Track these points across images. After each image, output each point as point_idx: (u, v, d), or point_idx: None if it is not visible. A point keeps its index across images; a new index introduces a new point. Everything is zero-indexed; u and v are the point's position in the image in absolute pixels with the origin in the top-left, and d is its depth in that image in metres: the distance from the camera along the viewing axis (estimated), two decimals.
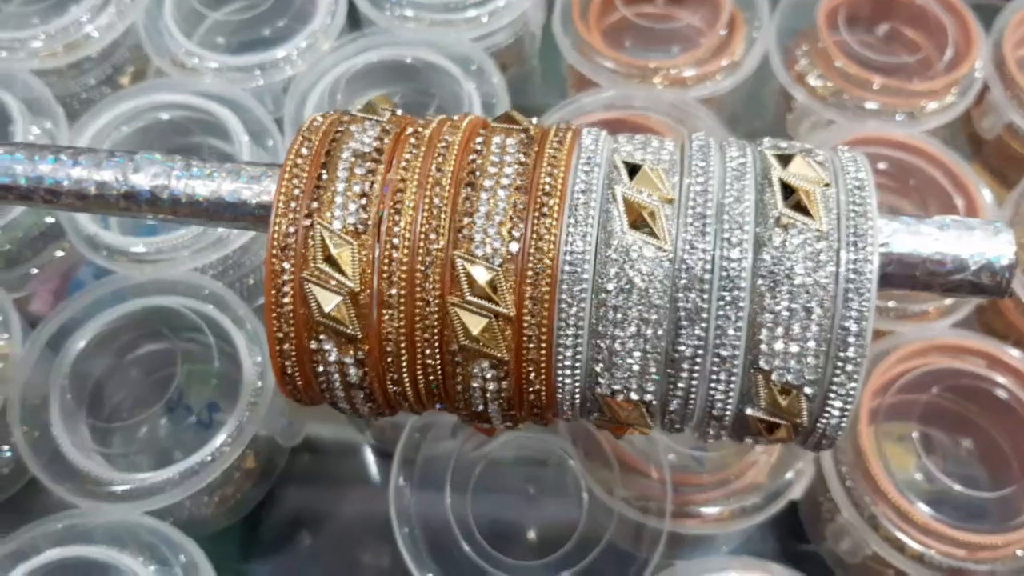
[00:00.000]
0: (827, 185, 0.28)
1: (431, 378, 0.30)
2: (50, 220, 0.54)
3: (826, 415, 0.28)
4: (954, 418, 0.50)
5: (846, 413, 0.28)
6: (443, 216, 0.28)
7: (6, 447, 0.50)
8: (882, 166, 0.54)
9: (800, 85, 0.58)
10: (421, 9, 0.59)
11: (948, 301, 0.50)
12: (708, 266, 0.27)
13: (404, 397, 0.31)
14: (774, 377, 0.28)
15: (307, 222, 0.29)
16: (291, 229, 0.29)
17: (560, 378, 0.29)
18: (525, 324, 0.28)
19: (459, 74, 0.56)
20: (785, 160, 0.29)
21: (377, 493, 0.47)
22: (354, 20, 0.61)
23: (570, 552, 0.45)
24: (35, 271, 0.56)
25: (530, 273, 0.28)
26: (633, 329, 0.28)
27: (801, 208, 0.28)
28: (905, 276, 0.29)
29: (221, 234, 0.50)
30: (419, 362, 0.29)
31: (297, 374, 0.30)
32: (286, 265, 0.29)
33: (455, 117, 0.32)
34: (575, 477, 0.46)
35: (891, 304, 0.50)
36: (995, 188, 0.59)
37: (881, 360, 0.48)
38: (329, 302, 0.28)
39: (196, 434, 0.48)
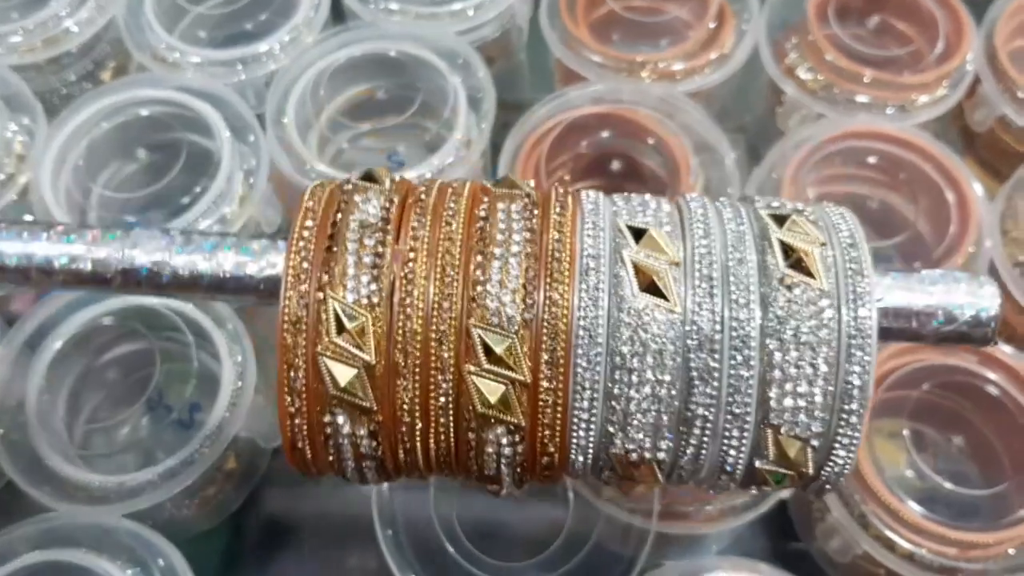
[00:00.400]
0: (823, 244, 0.29)
1: (443, 445, 0.30)
2: (29, 218, 0.53)
3: (831, 464, 0.30)
4: (945, 415, 0.49)
5: (849, 461, 0.29)
6: (456, 284, 0.28)
7: None
8: (872, 160, 0.54)
9: (790, 78, 0.57)
10: (406, 2, 0.58)
11: None
12: (718, 327, 0.28)
13: (415, 465, 0.31)
14: (783, 431, 0.29)
15: (319, 295, 0.28)
16: (302, 303, 0.28)
17: (575, 440, 0.29)
18: (541, 389, 0.28)
19: (444, 68, 0.55)
20: (780, 220, 0.30)
21: (360, 495, 0.46)
22: (338, 13, 0.61)
23: (556, 553, 0.44)
24: None
25: (545, 339, 0.28)
26: (648, 390, 0.28)
27: (802, 268, 0.29)
28: (900, 330, 0.31)
29: (207, 226, 0.49)
30: (432, 430, 0.29)
31: (307, 448, 0.30)
32: (299, 340, 0.28)
33: (455, 184, 0.32)
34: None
35: None
36: (987, 182, 0.58)
37: None
38: (345, 376, 0.28)
39: (176, 434, 0.47)
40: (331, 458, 0.30)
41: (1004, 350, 0.47)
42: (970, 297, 0.30)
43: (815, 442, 0.29)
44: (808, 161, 0.53)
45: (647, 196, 0.32)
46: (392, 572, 0.42)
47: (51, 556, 0.42)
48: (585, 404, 0.28)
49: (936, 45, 0.58)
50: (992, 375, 0.47)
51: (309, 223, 0.30)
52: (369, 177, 0.32)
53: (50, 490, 0.44)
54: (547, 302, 0.28)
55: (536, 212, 0.30)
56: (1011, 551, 0.43)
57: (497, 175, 0.50)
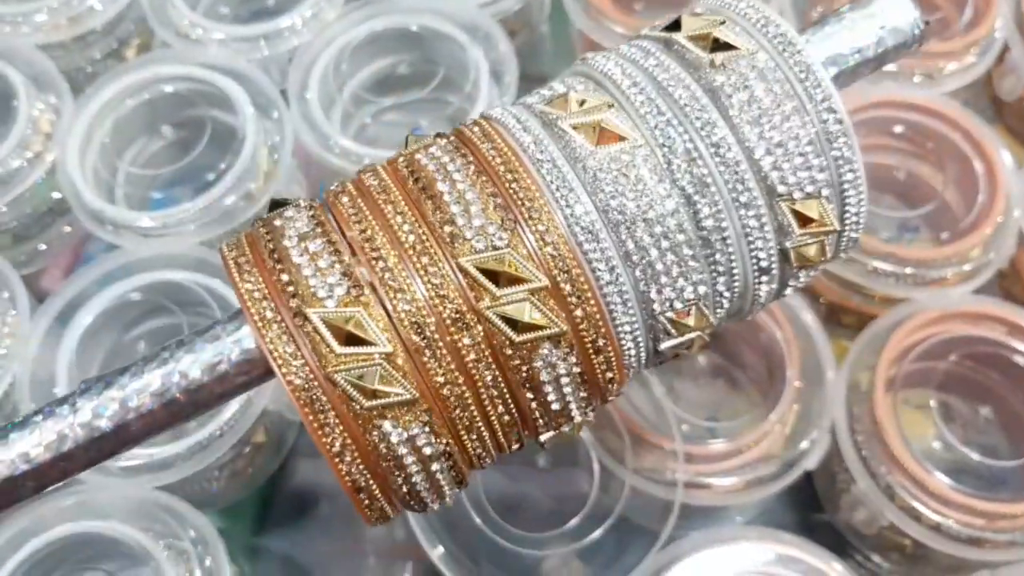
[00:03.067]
0: (723, 22, 0.29)
1: (499, 405, 0.28)
2: (56, 195, 0.54)
3: (848, 210, 0.30)
4: (973, 386, 0.49)
5: (862, 199, 0.30)
6: (424, 237, 0.26)
7: None
8: (899, 129, 0.53)
9: None
10: None
11: (967, 267, 0.49)
12: (685, 135, 0.28)
13: (483, 443, 0.28)
14: (795, 195, 0.28)
15: (298, 320, 0.26)
16: (286, 339, 0.26)
17: (617, 320, 0.28)
18: (562, 285, 0.27)
19: (466, 41, 0.55)
20: (675, 26, 0.30)
21: None
22: None
23: (581, 524, 0.44)
24: (43, 247, 0.56)
25: (539, 236, 0.27)
26: (657, 229, 0.27)
27: (722, 44, 0.29)
28: (840, 71, 0.32)
29: (227, 207, 0.49)
30: (483, 391, 0.27)
31: (372, 483, 0.27)
32: (306, 375, 0.26)
33: (365, 166, 0.30)
34: (586, 449, 0.46)
35: (908, 271, 0.49)
36: (1017, 151, 0.57)
37: (898, 327, 0.47)
38: (370, 379, 0.25)
39: None
40: (400, 479, 0.27)
41: None
42: (885, 15, 0.32)
43: (826, 191, 0.29)
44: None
45: (549, 83, 0.31)
46: (419, 542, 0.42)
47: (82, 528, 0.43)
48: (609, 277, 0.27)
49: (964, 13, 0.57)
50: (1020, 346, 0.46)
51: (245, 267, 0.27)
52: (277, 205, 0.29)
53: None
54: (518, 204, 0.27)
55: (453, 139, 0.29)
56: None
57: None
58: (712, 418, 0.48)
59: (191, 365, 0.27)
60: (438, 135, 0.30)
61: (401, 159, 0.29)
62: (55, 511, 0.43)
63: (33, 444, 0.27)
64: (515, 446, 0.30)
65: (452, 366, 0.26)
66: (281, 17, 0.56)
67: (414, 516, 0.42)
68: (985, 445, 0.47)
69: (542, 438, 0.30)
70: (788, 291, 0.32)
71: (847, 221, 0.30)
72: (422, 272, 0.26)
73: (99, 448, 0.27)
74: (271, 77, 0.55)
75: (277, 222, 0.28)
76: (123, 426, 0.27)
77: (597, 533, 0.44)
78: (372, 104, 0.57)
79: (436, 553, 0.42)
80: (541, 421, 0.29)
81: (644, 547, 0.43)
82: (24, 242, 0.55)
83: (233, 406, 0.45)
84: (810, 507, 0.51)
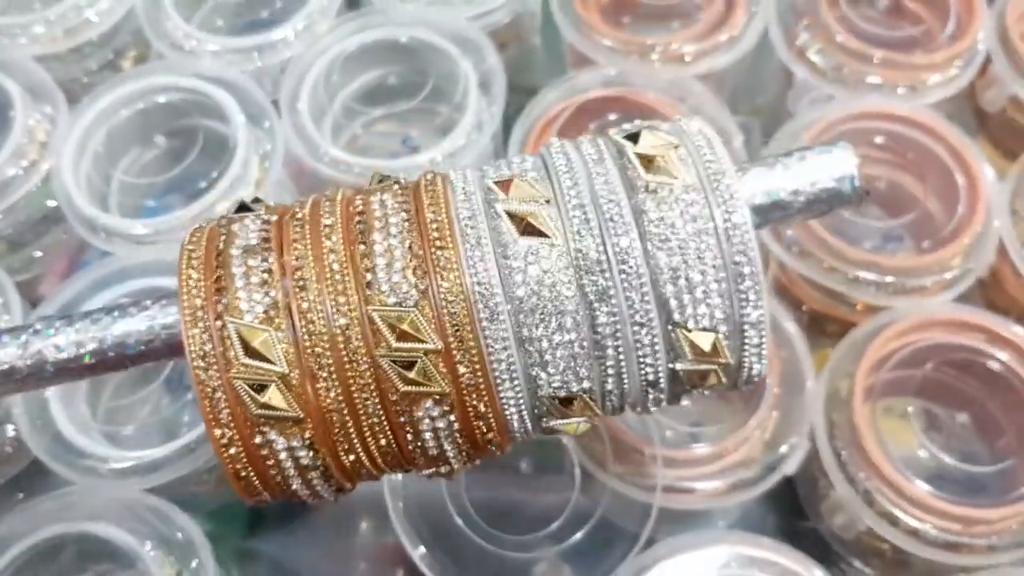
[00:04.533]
0: (676, 147, 0.31)
1: (380, 438, 0.30)
2: (51, 203, 0.55)
3: (746, 348, 0.31)
4: (951, 393, 0.49)
5: (762, 341, 0.31)
6: (347, 278, 0.29)
7: (11, 427, 0.50)
8: (879, 140, 0.54)
9: (801, 60, 0.58)
10: None
11: (947, 275, 0.50)
12: (600, 247, 0.29)
13: (360, 465, 0.31)
14: (690, 326, 0.30)
15: (218, 323, 0.29)
16: (205, 336, 0.29)
17: (502, 394, 0.30)
18: (454, 352, 0.29)
19: (455, 54, 0.56)
20: (634, 137, 0.32)
21: None
22: (352, 0, 0.61)
23: (562, 527, 0.45)
24: (39, 254, 0.57)
25: (445, 305, 0.29)
26: (554, 323, 0.29)
27: (662, 171, 0.30)
28: (773, 215, 0.33)
29: (223, 209, 0.50)
30: (365, 423, 0.30)
31: (252, 474, 0.30)
32: (212, 372, 0.29)
33: (328, 193, 0.33)
34: (568, 453, 0.47)
35: (889, 279, 0.49)
36: (999, 162, 0.58)
37: (877, 335, 0.48)
38: (262, 393, 0.29)
39: (195, 413, 0.49)
40: (277, 478, 0.31)
41: (1014, 330, 0.47)
42: (828, 167, 0.33)
43: (723, 328, 0.30)
44: (816, 142, 0.53)
45: (512, 156, 0.33)
46: (404, 544, 0.43)
47: (72, 528, 0.43)
48: (501, 355, 0.29)
49: (947, 25, 0.58)
50: (998, 353, 0.47)
51: (194, 262, 0.30)
52: (244, 208, 0.33)
53: (72, 466, 0.45)
54: (437, 269, 0.29)
55: (410, 195, 0.31)
56: (1015, 527, 0.44)
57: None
58: (695, 424, 0.49)
59: (124, 331, 0.32)
60: (396, 182, 0.32)
61: (359, 198, 0.31)
62: (44, 512, 0.44)
63: None
64: (396, 472, 0.33)
65: (340, 398, 0.29)
66: (274, 29, 0.57)
67: (398, 520, 0.43)
68: (963, 451, 0.48)
69: (423, 473, 0.33)
70: (685, 402, 0.33)
71: (745, 358, 0.31)
72: (334, 309, 0.29)
73: (23, 380, 0.32)
74: (264, 88, 0.56)
75: (235, 226, 0.31)
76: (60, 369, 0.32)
77: (577, 536, 0.44)
78: (363, 114, 0.58)
79: (417, 553, 0.43)
80: (420, 460, 0.31)
81: (625, 550, 0.44)
82: (20, 249, 0.56)
83: None
84: (793, 515, 0.52)
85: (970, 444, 0.49)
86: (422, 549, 0.43)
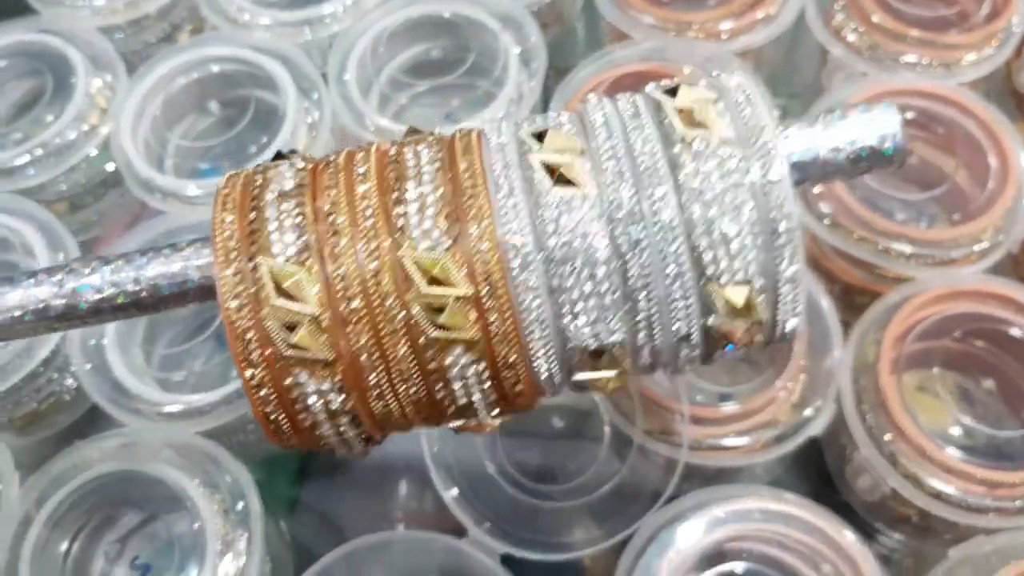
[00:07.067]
0: (715, 100, 0.31)
1: (410, 386, 0.30)
2: (110, 167, 0.57)
3: (780, 304, 0.31)
4: (976, 361, 0.50)
5: (797, 298, 0.31)
6: (379, 224, 0.29)
7: (69, 377, 0.53)
8: (910, 116, 0.55)
9: (837, 39, 0.59)
10: None
11: (977, 248, 0.51)
12: (634, 198, 0.29)
13: (389, 413, 0.31)
14: (723, 280, 0.30)
15: (251, 264, 0.29)
16: (237, 277, 0.29)
17: (531, 344, 0.30)
18: (484, 299, 0.29)
19: (498, 30, 0.58)
20: (672, 92, 0.32)
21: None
22: None
23: (591, 479, 0.46)
24: (97, 216, 0.59)
25: (475, 250, 0.29)
26: (585, 274, 0.29)
27: (700, 125, 0.30)
28: (812, 173, 0.32)
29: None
30: (394, 368, 0.30)
31: (281, 416, 0.31)
32: (243, 312, 0.29)
33: (362, 145, 0.33)
34: (598, 409, 0.48)
35: (920, 251, 0.50)
36: None
37: (905, 304, 0.48)
38: (293, 333, 0.29)
39: None
40: (307, 423, 0.31)
41: None
42: (870, 126, 0.32)
43: (758, 283, 0.30)
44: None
45: (549, 112, 0.34)
46: (439, 492, 0.45)
47: (123, 466, 0.45)
48: (531, 304, 0.29)
49: (983, 5, 0.58)
50: (1021, 319, 0.48)
51: (229, 204, 0.31)
52: (280, 156, 0.33)
53: (128, 410, 0.47)
54: (468, 218, 0.29)
55: (444, 146, 0.31)
56: None
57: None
58: (727, 386, 0.50)
59: (158, 271, 0.32)
60: (430, 134, 0.33)
61: (393, 149, 0.32)
62: (98, 452, 0.46)
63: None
64: (425, 424, 0.33)
65: (371, 342, 0.29)
66: (324, 4, 0.59)
67: (431, 461, 0.45)
68: (988, 417, 0.49)
69: (450, 425, 0.33)
70: (717, 358, 0.33)
71: (780, 315, 0.31)
72: (366, 253, 0.29)
73: (57, 318, 0.32)
74: (312, 60, 0.58)
75: (270, 173, 0.32)
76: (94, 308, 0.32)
77: (606, 488, 0.46)
78: (408, 87, 0.60)
79: (450, 495, 0.44)
80: (449, 410, 0.32)
81: (650, 504, 0.45)
82: (79, 211, 0.58)
83: None
84: (820, 483, 0.52)
85: (992, 409, 0.50)
86: (455, 491, 0.45)
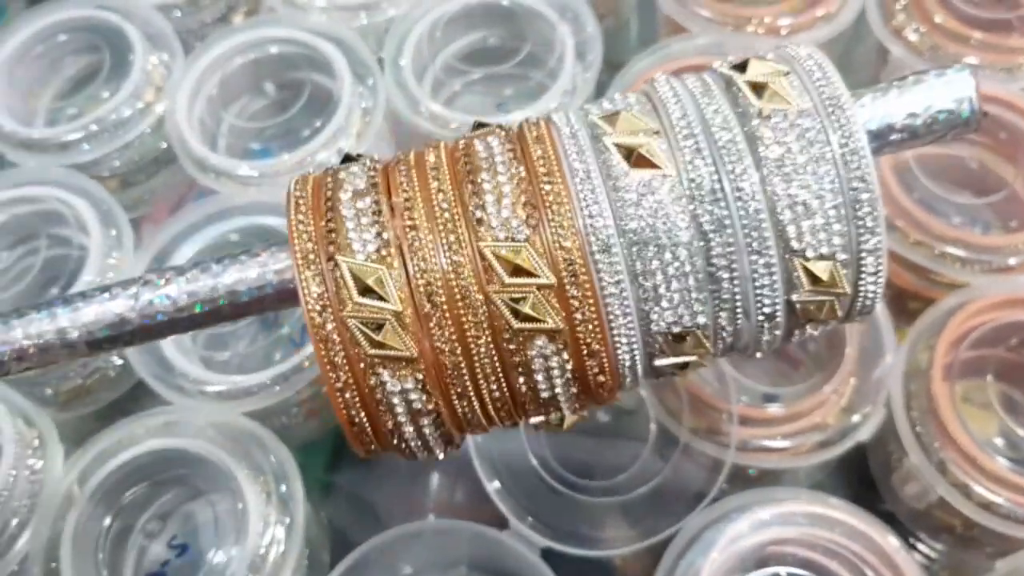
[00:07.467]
0: (787, 73, 0.30)
1: (492, 382, 0.30)
2: (163, 145, 0.58)
3: (863, 278, 0.30)
4: None
5: (880, 269, 0.30)
6: (456, 217, 0.29)
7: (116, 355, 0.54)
8: None
9: (897, 39, 0.58)
10: None
11: None
12: (715, 175, 0.29)
13: (472, 412, 0.31)
14: (808, 254, 0.29)
15: (331, 264, 0.29)
16: (318, 279, 0.29)
17: (615, 331, 0.30)
18: (567, 287, 0.29)
19: (555, 19, 0.58)
20: (741, 67, 0.31)
21: None
22: None
23: (634, 476, 0.46)
24: (148, 195, 0.60)
25: (555, 238, 0.29)
26: (668, 256, 0.29)
27: (776, 97, 0.30)
28: (890, 140, 0.32)
29: (319, 162, 0.52)
30: (477, 364, 0.30)
31: (364, 419, 0.30)
32: (326, 315, 0.29)
33: (429, 144, 0.33)
34: (644, 405, 0.48)
35: (975, 256, 0.49)
36: None
37: (959, 310, 0.48)
38: (377, 331, 0.29)
39: (288, 349, 0.51)
40: (389, 424, 0.30)
41: None
42: (945, 89, 0.32)
43: (841, 256, 0.30)
44: None
45: (614, 94, 0.33)
46: (479, 477, 0.45)
47: (170, 444, 0.46)
48: (614, 290, 0.29)
49: None
50: None
51: (303, 207, 0.30)
52: (347, 159, 0.33)
53: (173, 388, 0.48)
54: (546, 205, 0.29)
55: (514, 136, 0.31)
56: None
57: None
58: (773, 388, 0.50)
59: (235, 279, 0.31)
60: (499, 126, 0.32)
61: (462, 142, 0.32)
62: (144, 429, 0.46)
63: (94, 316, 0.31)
64: (506, 422, 0.32)
65: (453, 337, 0.29)
66: None
67: (475, 447, 0.45)
68: None
69: (531, 421, 0.32)
70: (795, 338, 0.33)
71: (862, 287, 0.31)
72: (446, 247, 0.29)
73: (135, 332, 0.32)
74: (368, 45, 0.58)
75: (341, 174, 0.31)
76: (172, 320, 0.32)
77: (650, 485, 0.46)
78: (462, 74, 0.60)
79: (492, 487, 0.44)
80: (530, 405, 0.31)
81: (694, 503, 0.45)
82: (131, 187, 0.59)
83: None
84: (864, 489, 0.52)
85: None
86: (497, 483, 0.45)
